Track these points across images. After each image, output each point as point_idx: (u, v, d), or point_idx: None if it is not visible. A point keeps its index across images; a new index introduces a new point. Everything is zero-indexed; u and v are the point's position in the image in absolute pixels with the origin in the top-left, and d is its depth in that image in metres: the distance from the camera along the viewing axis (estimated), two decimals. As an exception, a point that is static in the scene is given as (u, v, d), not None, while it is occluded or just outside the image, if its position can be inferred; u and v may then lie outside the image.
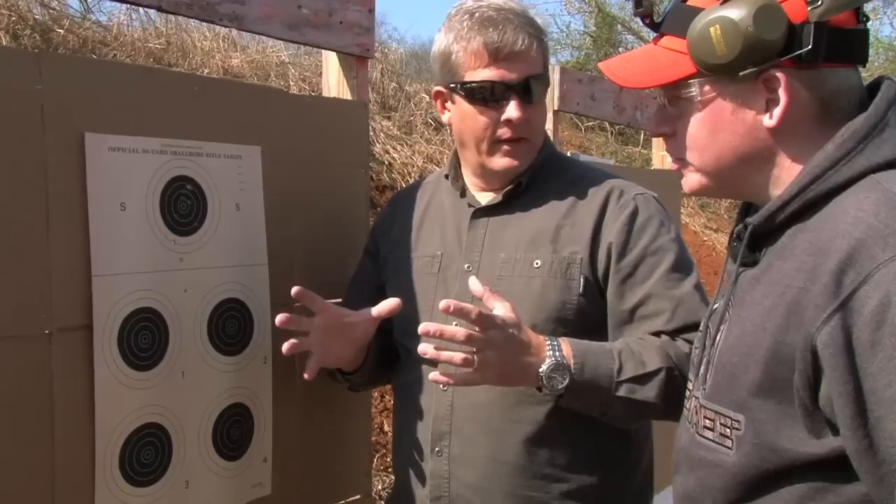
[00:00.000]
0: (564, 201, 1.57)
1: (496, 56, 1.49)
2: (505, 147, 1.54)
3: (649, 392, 1.42)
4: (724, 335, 1.10)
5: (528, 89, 1.51)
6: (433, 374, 1.39)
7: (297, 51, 5.82)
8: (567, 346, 1.40)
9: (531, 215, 1.57)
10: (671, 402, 1.40)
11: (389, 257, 1.71)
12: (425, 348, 1.35)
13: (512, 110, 1.51)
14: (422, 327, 1.33)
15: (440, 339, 1.33)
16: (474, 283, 1.39)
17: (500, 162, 1.56)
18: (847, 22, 1.02)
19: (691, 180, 1.14)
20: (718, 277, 1.21)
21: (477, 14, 1.50)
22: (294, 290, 1.49)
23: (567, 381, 1.38)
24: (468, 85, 1.53)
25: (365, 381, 1.73)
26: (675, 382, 1.41)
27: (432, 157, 5.60)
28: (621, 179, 1.62)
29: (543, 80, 1.56)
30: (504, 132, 1.53)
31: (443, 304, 1.31)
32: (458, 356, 1.33)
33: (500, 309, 1.37)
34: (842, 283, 0.92)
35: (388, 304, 1.53)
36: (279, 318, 1.49)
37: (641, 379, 1.41)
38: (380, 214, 1.84)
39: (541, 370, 1.37)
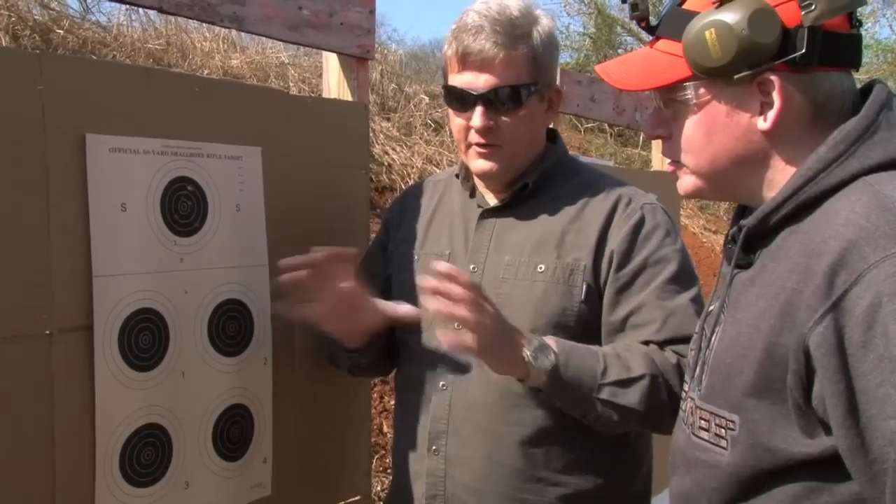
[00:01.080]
0: (572, 207, 1.57)
1: (464, 63, 1.51)
2: (478, 150, 1.56)
3: (631, 397, 1.42)
4: (718, 336, 1.10)
5: (494, 99, 1.51)
6: (437, 332, 1.37)
7: (296, 52, 5.82)
8: (552, 341, 1.41)
9: (538, 219, 1.58)
10: (653, 409, 1.41)
11: (396, 252, 1.71)
12: (428, 302, 1.35)
13: (476, 118, 1.52)
14: (427, 278, 1.34)
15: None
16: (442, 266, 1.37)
17: (475, 164, 1.58)
18: (841, 26, 1.03)
19: (686, 182, 1.15)
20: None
21: (462, 19, 1.52)
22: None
23: (552, 359, 1.37)
24: (447, 88, 1.56)
25: (367, 366, 1.71)
26: (658, 390, 1.41)
27: (431, 158, 5.60)
28: (631, 187, 1.61)
29: (524, 89, 1.52)
30: (473, 137, 1.55)
31: (440, 266, 1.33)
32: (452, 307, 1.32)
33: None
34: (833, 283, 0.93)
35: (409, 313, 1.53)
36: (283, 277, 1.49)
37: (624, 383, 1.41)
38: (390, 207, 1.85)
39: (527, 349, 1.37)
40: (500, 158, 1.56)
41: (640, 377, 1.42)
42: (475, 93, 1.51)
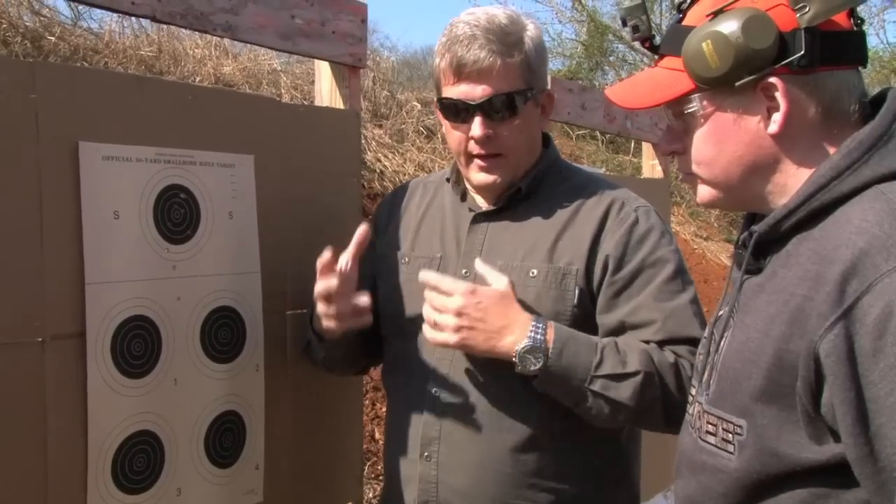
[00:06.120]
0: (565, 211, 1.58)
1: (459, 74, 1.50)
2: (479, 162, 1.55)
3: (623, 392, 1.42)
4: (727, 341, 1.11)
5: (491, 108, 1.51)
6: (426, 330, 1.49)
7: (288, 59, 5.82)
8: (551, 331, 1.42)
9: (531, 223, 1.58)
10: (645, 406, 1.42)
11: (386, 253, 1.70)
12: (426, 276, 1.50)
13: (475, 128, 1.51)
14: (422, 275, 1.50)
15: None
16: (479, 264, 1.52)
17: (476, 177, 1.57)
18: (841, 25, 1.04)
19: (703, 192, 1.16)
20: (709, 285, 1.22)
21: (452, 31, 1.52)
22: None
23: (539, 365, 1.40)
24: (442, 101, 1.55)
25: (340, 358, 1.69)
26: (652, 388, 1.42)
27: (423, 165, 5.61)
28: (623, 190, 1.62)
29: (520, 95, 1.52)
30: (473, 148, 1.54)
31: (422, 276, 1.49)
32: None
33: (499, 282, 1.46)
34: (845, 291, 0.93)
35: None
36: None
37: (618, 377, 1.42)
38: (378, 206, 1.84)
39: (517, 348, 1.41)
40: (503, 169, 1.56)
41: (635, 373, 1.42)
42: (473, 103, 1.50)
